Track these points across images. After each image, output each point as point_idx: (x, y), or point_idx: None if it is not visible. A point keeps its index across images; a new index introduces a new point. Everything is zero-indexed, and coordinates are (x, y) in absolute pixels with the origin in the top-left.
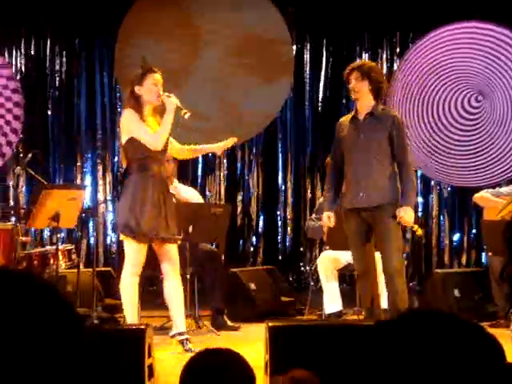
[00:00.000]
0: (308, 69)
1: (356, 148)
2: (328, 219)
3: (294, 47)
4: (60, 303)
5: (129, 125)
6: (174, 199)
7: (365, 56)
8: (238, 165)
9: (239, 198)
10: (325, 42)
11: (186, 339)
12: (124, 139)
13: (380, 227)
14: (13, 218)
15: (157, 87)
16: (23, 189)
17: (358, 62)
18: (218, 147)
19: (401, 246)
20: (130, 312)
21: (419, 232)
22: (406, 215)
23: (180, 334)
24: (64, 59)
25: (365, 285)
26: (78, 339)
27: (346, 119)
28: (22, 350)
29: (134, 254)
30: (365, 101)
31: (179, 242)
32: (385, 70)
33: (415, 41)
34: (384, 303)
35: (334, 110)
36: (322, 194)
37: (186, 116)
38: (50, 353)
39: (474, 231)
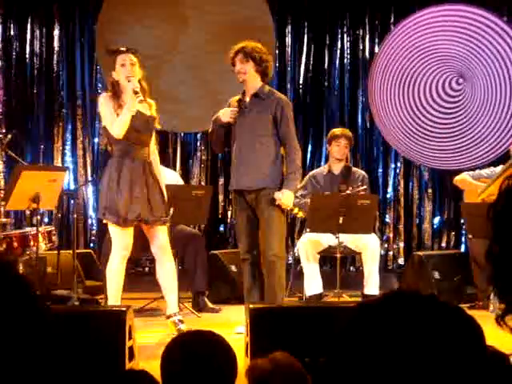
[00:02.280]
0: (289, 52)
1: (241, 130)
2: (229, 111)
3: (276, 31)
4: (15, 283)
5: (100, 111)
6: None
7: (346, 38)
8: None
9: (221, 180)
10: (306, 24)
11: (179, 320)
12: (102, 124)
13: (262, 211)
14: None
15: (124, 67)
16: (2, 170)
17: (242, 43)
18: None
19: (282, 230)
20: (114, 297)
21: (300, 214)
22: (284, 198)
23: (171, 315)
24: (44, 39)
25: (245, 269)
26: (36, 319)
27: (234, 99)
28: None
29: (119, 237)
30: (252, 82)
31: (166, 224)
32: (366, 53)
33: (396, 23)
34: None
35: (316, 94)
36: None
37: (137, 100)
38: (6, 334)
39: (453, 214)
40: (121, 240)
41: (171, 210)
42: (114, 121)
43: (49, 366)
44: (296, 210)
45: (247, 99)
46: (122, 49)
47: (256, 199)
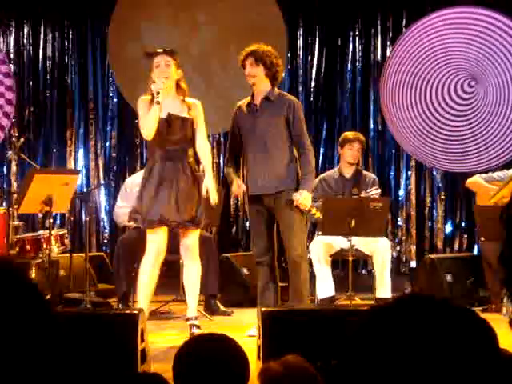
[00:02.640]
0: (301, 55)
1: (253, 134)
2: (238, 187)
3: (288, 35)
4: (24, 287)
5: (138, 113)
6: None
7: (358, 41)
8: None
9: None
10: (317, 27)
11: (194, 325)
12: None
13: (281, 214)
14: (5, 203)
15: (158, 69)
16: (16, 173)
17: (253, 46)
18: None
19: (304, 232)
20: (142, 300)
21: (318, 215)
22: (302, 198)
23: (188, 318)
24: (56, 43)
25: (260, 272)
26: (44, 323)
27: (243, 103)
28: None
29: (148, 239)
30: (261, 86)
31: (192, 229)
32: (378, 56)
33: (408, 25)
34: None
35: (328, 96)
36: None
37: (155, 102)
38: (16, 337)
39: (466, 216)
40: (149, 242)
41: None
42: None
43: (59, 370)
44: (314, 211)
45: (257, 103)
46: (159, 50)
47: (274, 202)
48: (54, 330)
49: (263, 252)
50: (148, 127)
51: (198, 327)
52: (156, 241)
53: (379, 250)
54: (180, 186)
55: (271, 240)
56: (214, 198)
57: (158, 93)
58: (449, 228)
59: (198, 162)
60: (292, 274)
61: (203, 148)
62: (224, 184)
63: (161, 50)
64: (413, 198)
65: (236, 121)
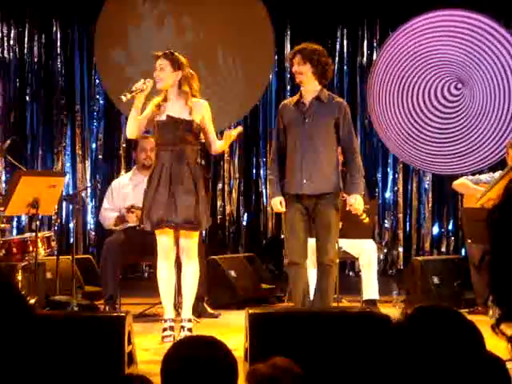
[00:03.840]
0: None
1: (301, 133)
2: (280, 204)
3: (275, 35)
4: (5, 290)
5: None
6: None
7: (345, 43)
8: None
9: (219, 185)
10: (305, 30)
11: (183, 327)
12: None
13: (321, 217)
14: None
15: (155, 72)
16: (2, 175)
17: (302, 45)
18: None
19: (337, 237)
20: (163, 301)
21: (366, 220)
22: (357, 203)
23: (181, 320)
24: (43, 43)
25: (298, 274)
26: (22, 323)
27: (290, 102)
28: None
29: (157, 241)
30: (309, 85)
31: (191, 230)
32: (365, 58)
33: (395, 29)
34: (371, 294)
35: None
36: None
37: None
38: None
39: (453, 218)
40: (158, 244)
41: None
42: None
43: (38, 371)
44: (364, 216)
45: (306, 102)
46: (156, 54)
47: (315, 204)
48: (32, 331)
49: (299, 253)
50: (127, 126)
51: (190, 330)
52: (161, 240)
53: (365, 252)
54: (179, 188)
55: (306, 241)
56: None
57: (131, 91)
58: (436, 230)
59: (201, 165)
60: (321, 276)
61: (213, 146)
62: (212, 186)
63: (159, 54)
64: (400, 200)
65: (282, 119)
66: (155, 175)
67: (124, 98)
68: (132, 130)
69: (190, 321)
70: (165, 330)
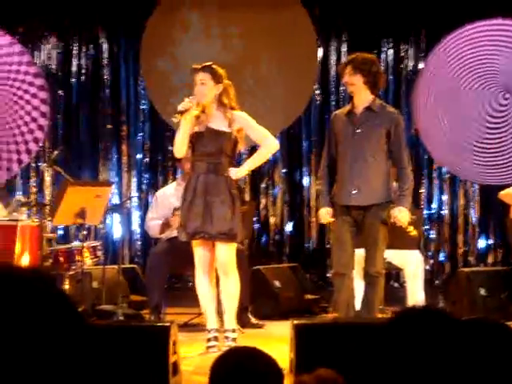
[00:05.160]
0: (333, 67)
1: (351, 143)
2: (326, 215)
3: (320, 48)
4: (58, 299)
5: None
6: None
7: (390, 54)
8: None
9: (263, 194)
10: (350, 41)
11: (227, 337)
12: None
13: (369, 228)
14: (39, 215)
15: (196, 86)
16: (49, 185)
17: (353, 55)
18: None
19: (385, 248)
20: (205, 312)
21: (414, 233)
22: (401, 215)
23: (225, 330)
24: (89, 54)
25: (343, 285)
26: (77, 335)
27: (341, 112)
28: (21, 347)
29: (194, 252)
30: (361, 95)
31: (226, 242)
32: (410, 68)
33: (441, 39)
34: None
35: None
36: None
37: (172, 118)
38: (49, 350)
39: (500, 229)
40: (195, 254)
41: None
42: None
43: (91, 381)
44: (411, 229)
45: (357, 112)
46: (195, 67)
47: (364, 215)
48: (86, 341)
49: (345, 264)
50: (175, 146)
51: (234, 340)
52: (200, 253)
53: (411, 263)
54: (214, 199)
55: (353, 252)
56: (233, 173)
57: (180, 112)
58: (482, 241)
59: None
60: (368, 287)
61: (264, 140)
62: (255, 197)
63: (198, 67)
64: (446, 210)
65: (333, 129)
66: (191, 186)
67: (175, 120)
68: (182, 149)
69: (233, 331)
70: (209, 340)
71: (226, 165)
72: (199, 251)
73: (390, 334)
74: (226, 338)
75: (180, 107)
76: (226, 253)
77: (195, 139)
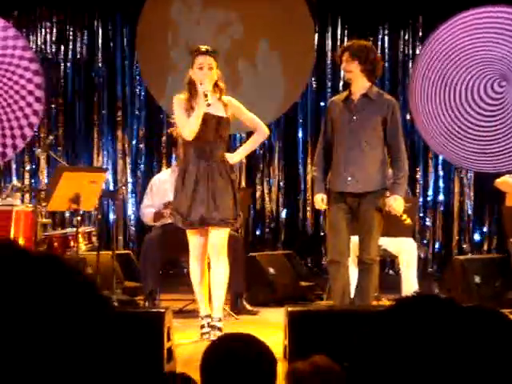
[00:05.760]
0: (329, 54)
1: (348, 130)
2: (322, 201)
3: (316, 34)
4: (85, 286)
5: (174, 111)
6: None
7: (387, 40)
8: (257, 149)
9: (259, 182)
10: (346, 27)
11: (214, 326)
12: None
13: (364, 215)
14: (33, 200)
15: (202, 71)
16: (44, 171)
17: (350, 42)
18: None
19: (379, 236)
20: (198, 299)
21: (408, 221)
22: (396, 204)
23: (212, 318)
24: (84, 40)
25: (338, 272)
26: (106, 322)
27: (338, 99)
28: (50, 337)
29: (190, 239)
30: (358, 82)
31: (231, 227)
32: (406, 55)
33: (437, 25)
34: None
35: None
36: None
37: (205, 103)
38: (78, 339)
39: (495, 217)
40: (191, 242)
41: (241, 213)
42: (185, 123)
43: (114, 371)
44: (405, 217)
45: (354, 99)
46: (202, 49)
47: (359, 202)
48: (113, 330)
49: (341, 251)
50: (191, 129)
51: (220, 330)
52: (197, 240)
53: (405, 250)
54: (216, 185)
55: (349, 240)
56: (229, 158)
57: (207, 95)
58: (477, 229)
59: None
60: (362, 274)
61: (257, 127)
62: (250, 184)
63: (204, 50)
64: (441, 198)
65: (330, 116)
66: (191, 173)
67: (211, 101)
68: (195, 131)
69: (220, 320)
70: (203, 326)
71: (225, 150)
72: (194, 239)
73: (390, 322)
74: (213, 327)
75: (207, 91)
76: (221, 236)
77: None
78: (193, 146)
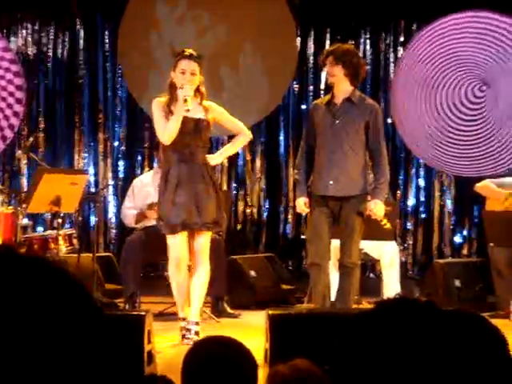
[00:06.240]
0: (311, 57)
1: (330, 134)
2: (304, 205)
3: (298, 37)
4: (73, 287)
5: (153, 115)
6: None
7: (369, 44)
8: (240, 151)
9: (241, 184)
10: (329, 30)
11: (189, 329)
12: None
13: (346, 219)
14: (13, 202)
15: (184, 75)
16: (25, 172)
17: (334, 46)
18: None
19: (360, 240)
20: (178, 303)
21: (388, 226)
22: (377, 208)
23: (188, 321)
24: (66, 41)
25: (319, 275)
26: (94, 323)
27: (321, 102)
28: (39, 338)
29: (170, 244)
30: (341, 86)
31: (211, 231)
32: (390, 59)
33: (419, 29)
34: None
35: None
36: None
37: (184, 109)
38: (67, 339)
39: (475, 221)
40: (171, 246)
41: (224, 215)
42: (163, 127)
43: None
44: (385, 221)
45: (337, 102)
46: (186, 54)
47: (340, 206)
48: (103, 330)
49: (322, 254)
50: (169, 134)
51: (197, 333)
52: (176, 245)
53: (387, 254)
54: (198, 188)
55: (329, 243)
56: (210, 160)
57: (186, 100)
58: (458, 233)
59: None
60: (343, 277)
61: (240, 131)
62: (229, 187)
63: (188, 54)
64: (422, 202)
65: (312, 119)
66: (172, 176)
67: (191, 108)
68: (173, 136)
69: (197, 324)
70: (182, 329)
71: (206, 153)
72: (174, 243)
73: (370, 324)
74: (189, 330)
75: (186, 96)
76: (205, 243)
77: None
78: (172, 150)
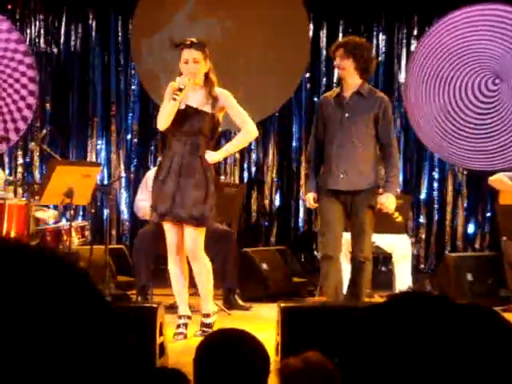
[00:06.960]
0: (324, 50)
1: (340, 127)
2: (313, 200)
3: (311, 28)
4: (80, 279)
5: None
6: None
7: (382, 37)
8: (253, 144)
9: (253, 178)
10: (341, 22)
11: (203, 323)
12: None
13: (357, 213)
14: (26, 194)
15: (187, 65)
16: (38, 165)
17: (345, 38)
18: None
19: (372, 233)
20: (177, 298)
21: (399, 219)
22: (388, 202)
23: (203, 315)
24: (79, 34)
25: (331, 268)
26: (101, 316)
27: (330, 95)
28: (46, 331)
29: (166, 234)
30: (351, 79)
31: (196, 226)
32: (403, 52)
33: (433, 23)
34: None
35: None
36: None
37: (171, 98)
38: (74, 332)
39: (488, 215)
40: (167, 236)
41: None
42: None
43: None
44: (396, 215)
45: (346, 95)
46: (186, 43)
47: (351, 200)
48: (111, 324)
49: (333, 246)
50: (162, 120)
51: (208, 326)
52: (170, 234)
53: (399, 248)
54: (187, 181)
55: (341, 235)
56: (209, 157)
57: (180, 89)
58: (471, 226)
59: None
60: (355, 271)
61: (244, 125)
62: (254, 182)
63: (188, 43)
64: (435, 195)
65: (322, 112)
66: (165, 165)
67: (178, 98)
68: (167, 123)
69: (207, 316)
70: (178, 326)
71: (204, 145)
72: (168, 234)
73: (383, 318)
74: (202, 323)
75: (181, 85)
76: (195, 238)
77: (174, 117)
78: (171, 139)
